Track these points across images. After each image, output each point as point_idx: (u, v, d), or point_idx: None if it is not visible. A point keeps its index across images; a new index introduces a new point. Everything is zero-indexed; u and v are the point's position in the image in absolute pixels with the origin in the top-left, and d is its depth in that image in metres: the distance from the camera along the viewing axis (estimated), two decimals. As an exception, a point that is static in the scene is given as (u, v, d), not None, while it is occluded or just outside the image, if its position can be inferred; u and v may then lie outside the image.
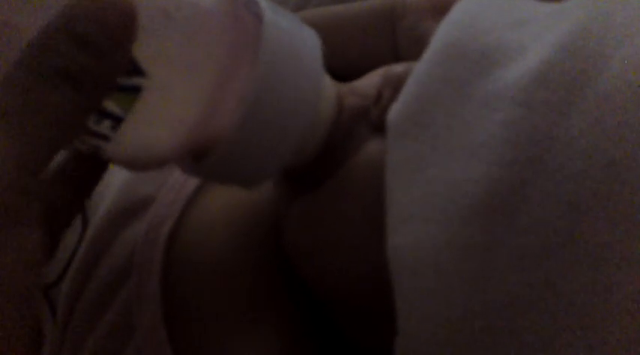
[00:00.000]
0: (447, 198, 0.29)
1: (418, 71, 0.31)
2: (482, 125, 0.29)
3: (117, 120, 0.27)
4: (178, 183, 0.39)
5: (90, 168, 0.32)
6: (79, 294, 0.39)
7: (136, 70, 0.26)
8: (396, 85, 0.32)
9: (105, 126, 0.27)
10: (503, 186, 0.28)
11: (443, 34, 0.32)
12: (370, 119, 0.33)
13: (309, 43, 0.31)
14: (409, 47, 0.45)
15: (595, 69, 0.28)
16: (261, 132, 0.29)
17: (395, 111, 0.31)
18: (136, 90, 0.27)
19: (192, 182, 0.39)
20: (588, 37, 0.29)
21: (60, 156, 0.32)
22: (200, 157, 0.30)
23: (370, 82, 0.35)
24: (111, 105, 0.27)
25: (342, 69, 0.44)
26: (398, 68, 0.34)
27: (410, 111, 0.31)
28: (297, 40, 0.30)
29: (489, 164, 0.28)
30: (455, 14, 0.32)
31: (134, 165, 0.30)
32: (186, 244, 0.38)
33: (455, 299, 0.28)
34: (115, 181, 0.40)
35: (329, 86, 0.33)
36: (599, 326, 0.27)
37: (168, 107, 0.28)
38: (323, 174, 0.33)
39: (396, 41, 0.45)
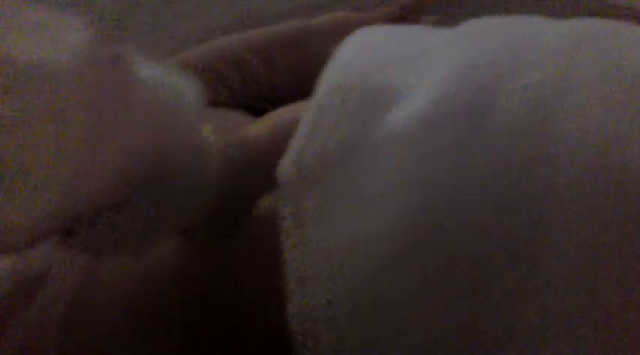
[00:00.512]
0: (347, 255, 0.27)
1: (306, 119, 0.30)
2: (377, 174, 0.27)
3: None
4: (69, 258, 0.36)
5: None
6: None
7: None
8: (286, 134, 0.30)
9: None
10: (406, 237, 0.26)
11: (329, 77, 0.30)
12: (264, 171, 0.31)
13: (185, 94, 0.29)
14: (315, 75, 0.44)
15: (485, 105, 0.27)
16: (138, 197, 0.27)
17: (284, 165, 0.29)
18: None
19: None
20: (478, 70, 0.28)
21: None
22: (72, 230, 0.27)
23: (263, 128, 0.33)
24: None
25: (259, 97, 0.42)
26: (289, 114, 0.32)
27: (300, 163, 0.29)
28: (171, 92, 0.29)
29: (386, 215, 0.27)
30: (342, 54, 0.31)
31: (4, 244, 0.27)
32: (80, 325, 0.35)
33: None
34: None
35: (213, 135, 0.30)
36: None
37: (29, 180, 0.25)
38: (222, 230, 0.31)
39: (305, 69, 0.44)
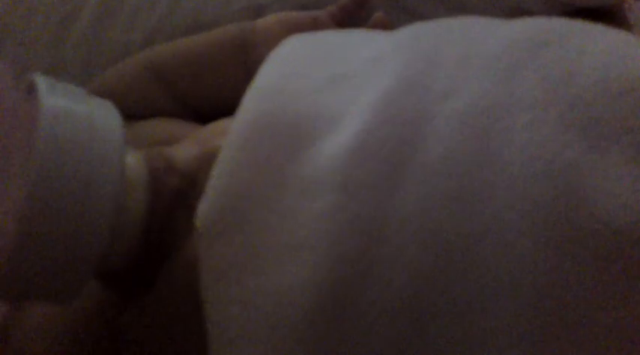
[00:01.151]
0: (272, 314, 0.24)
1: (222, 158, 0.26)
2: (301, 219, 0.24)
3: None
4: None
5: None
6: None
7: None
8: (211, 164, 0.27)
9: None
10: (333, 290, 0.23)
11: (247, 107, 0.27)
12: (190, 206, 0.28)
13: (102, 122, 0.26)
14: None
15: (417, 133, 0.24)
16: (50, 235, 0.25)
17: (203, 209, 0.26)
18: None
19: None
20: (409, 93, 0.25)
21: None
22: None
23: (188, 154, 0.30)
24: None
25: (200, 105, 0.40)
26: (216, 139, 0.29)
27: (218, 209, 0.26)
28: (85, 121, 0.26)
29: (313, 266, 0.24)
30: (262, 78, 0.28)
31: None
32: None
33: None
34: None
35: (136, 169, 0.28)
36: None
37: None
38: (147, 276, 0.28)
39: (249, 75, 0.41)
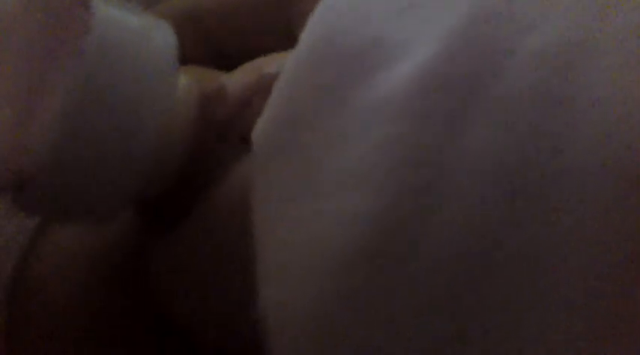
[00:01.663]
0: (324, 240, 0.23)
1: (284, 77, 0.25)
2: (360, 145, 0.23)
3: None
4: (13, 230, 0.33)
5: None
6: None
7: None
8: (266, 90, 0.26)
9: None
10: (391, 223, 0.22)
11: (313, 27, 0.26)
12: (241, 132, 0.28)
13: (157, 43, 0.26)
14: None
15: (497, 66, 0.23)
16: (93, 150, 0.24)
17: (260, 128, 0.25)
18: None
19: None
20: (488, 23, 0.23)
21: None
22: (16, 188, 0.24)
23: (241, 82, 0.29)
24: None
25: (237, 58, 0.39)
26: (271, 68, 0.28)
27: (276, 128, 0.25)
28: (139, 35, 0.25)
29: (372, 195, 0.22)
30: (327, 3, 0.26)
31: None
32: (31, 290, 0.32)
33: None
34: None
35: (187, 91, 0.27)
36: None
37: None
38: (189, 201, 0.28)
39: (291, 25, 0.40)
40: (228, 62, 0.38)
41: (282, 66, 0.27)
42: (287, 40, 0.34)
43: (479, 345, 0.22)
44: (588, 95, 0.22)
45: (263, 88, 0.27)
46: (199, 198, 0.27)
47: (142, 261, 0.30)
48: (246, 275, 0.24)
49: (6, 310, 0.31)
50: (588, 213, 0.21)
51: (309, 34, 0.26)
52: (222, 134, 0.28)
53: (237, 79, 0.29)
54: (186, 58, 0.40)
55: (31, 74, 0.22)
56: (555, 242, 0.21)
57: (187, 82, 0.27)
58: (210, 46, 0.39)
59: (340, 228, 0.23)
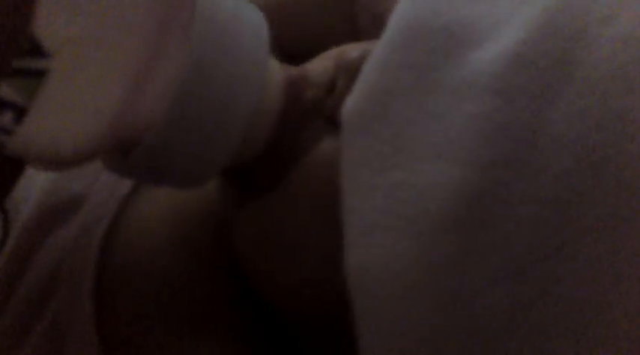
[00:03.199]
0: (413, 206, 0.25)
1: (375, 57, 0.27)
2: (452, 119, 0.25)
3: (20, 111, 0.23)
4: (112, 179, 0.35)
5: (1, 165, 0.28)
6: (3, 306, 0.35)
7: (38, 50, 0.22)
8: (351, 73, 0.28)
9: (6, 119, 0.23)
10: (479, 192, 0.24)
11: (402, 10, 0.27)
12: (324, 112, 0.29)
13: (251, 23, 0.27)
14: (369, 26, 0.40)
15: (580, 50, 0.24)
16: (195, 120, 0.26)
17: (350, 105, 0.27)
18: (39, 74, 0.22)
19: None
20: (571, 12, 0.25)
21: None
22: (125, 151, 0.26)
23: (323, 67, 0.30)
24: (10, 93, 0.22)
25: (299, 49, 0.40)
26: (353, 52, 0.30)
27: (367, 104, 0.26)
28: (237, 18, 0.27)
29: (462, 165, 0.24)
30: None
31: (46, 162, 0.25)
32: (121, 250, 0.34)
33: (425, 322, 0.24)
34: (39, 179, 0.36)
35: (276, 72, 0.29)
36: (594, 347, 0.23)
37: (81, 93, 0.24)
38: (273, 174, 0.29)
39: (355, 19, 0.41)
40: (290, 56, 0.40)
41: (364, 51, 0.29)
42: (349, 32, 0.36)
43: (549, 313, 0.23)
44: None
45: (346, 71, 0.29)
46: (286, 171, 0.29)
47: (227, 227, 0.31)
48: (333, 241, 0.26)
49: (94, 280, 0.33)
50: None
51: (399, 17, 0.27)
52: (307, 113, 0.29)
53: (319, 64, 0.31)
54: None
55: (148, 45, 0.24)
56: (633, 214, 0.23)
57: (275, 63, 0.29)
58: (274, 39, 0.41)
59: (432, 197, 0.24)
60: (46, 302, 0.34)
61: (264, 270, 0.30)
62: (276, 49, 0.40)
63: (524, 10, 0.26)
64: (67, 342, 0.32)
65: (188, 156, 0.26)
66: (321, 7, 0.41)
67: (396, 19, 0.27)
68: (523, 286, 0.24)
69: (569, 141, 0.23)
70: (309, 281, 0.29)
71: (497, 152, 0.24)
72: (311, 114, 0.29)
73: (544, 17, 0.25)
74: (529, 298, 0.23)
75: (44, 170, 0.30)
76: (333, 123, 0.29)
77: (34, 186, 0.36)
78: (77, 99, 0.24)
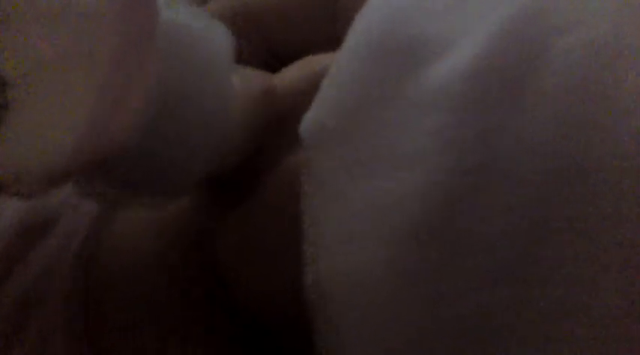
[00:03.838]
0: (379, 216, 0.25)
1: (335, 70, 0.27)
2: (416, 130, 0.25)
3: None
4: (85, 202, 0.35)
5: None
6: None
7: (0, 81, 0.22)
8: (317, 84, 0.28)
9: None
10: (446, 199, 0.24)
11: (362, 23, 0.28)
12: (294, 123, 0.29)
13: (215, 39, 0.27)
14: (345, 32, 0.41)
15: (538, 61, 0.24)
16: (167, 139, 0.26)
17: (313, 117, 0.27)
18: (2, 105, 0.22)
19: None
20: (529, 23, 0.25)
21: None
22: (94, 171, 0.26)
23: (293, 77, 0.31)
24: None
25: (288, 50, 0.40)
26: (321, 62, 0.30)
27: (329, 115, 0.27)
28: (200, 36, 0.27)
29: (427, 174, 0.24)
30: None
31: (13, 193, 0.25)
32: (105, 259, 0.34)
33: (399, 332, 0.25)
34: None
35: (251, 83, 0.29)
36: (573, 348, 0.23)
37: (45, 123, 0.23)
38: (251, 184, 0.29)
39: (336, 24, 0.41)
40: (276, 58, 0.40)
41: (329, 63, 0.29)
42: (333, 35, 0.36)
43: (523, 317, 0.24)
44: (621, 91, 0.23)
45: (314, 82, 0.29)
46: (261, 180, 0.29)
47: (206, 235, 0.32)
48: (293, 257, 0.26)
49: (82, 282, 0.33)
50: (625, 196, 0.23)
51: (359, 30, 0.27)
52: (283, 122, 0.29)
53: (289, 75, 0.31)
54: (239, 54, 0.41)
55: (113, 67, 0.24)
56: (599, 220, 0.23)
57: (244, 77, 0.29)
58: (260, 41, 0.40)
59: (396, 206, 0.25)
60: (30, 314, 0.34)
61: (246, 278, 0.30)
62: (264, 51, 0.41)
63: (482, 23, 0.26)
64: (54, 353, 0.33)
65: (162, 171, 0.27)
66: (308, 9, 0.41)
67: (356, 31, 0.28)
68: (502, 289, 0.24)
69: (530, 151, 0.24)
70: (291, 287, 0.29)
71: (462, 160, 0.24)
72: (281, 126, 0.29)
73: (501, 30, 0.25)
74: (508, 301, 0.24)
75: (17, 198, 0.30)
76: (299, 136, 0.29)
77: (9, 205, 0.36)
78: (41, 128, 0.23)
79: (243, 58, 0.40)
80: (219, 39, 0.28)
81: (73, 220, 0.35)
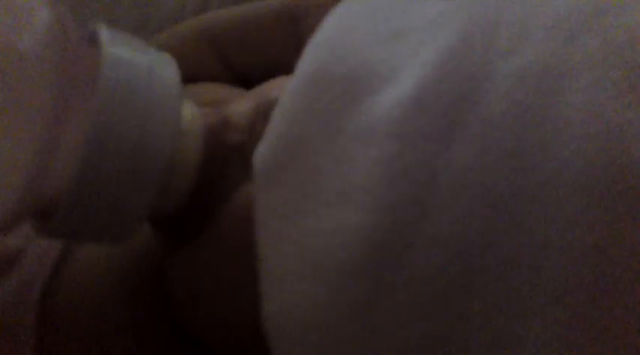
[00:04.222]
0: (322, 253, 0.25)
1: (282, 104, 0.27)
2: (355, 165, 0.25)
3: None
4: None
5: None
6: None
7: None
8: (267, 117, 0.28)
9: None
10: (383, 235, 0.24)
11: (308, 58, 0.28)
12: (245, 156, 0.29)
13: (161, 74, 0.27)
14: None
15: (478, 90, 0.25)
16: (106, 181, 0.26)
17: (259, 154, 0.27)
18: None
19: None
20: (470, 51, 0.25)
21: None
22: (42, 218, 0.26)
23: (245, 108, 0.31)
24: None
25: (250, 75, 0.40)
26: (272, 92, 0.30)
27: (274, 153, 0.27)
28: (145, 71, 0.27)
29: (365, 211, 0.25)
30: (322, 32, 0.29)
31: None
32: (63, 300, 0.34)
33: None
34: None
35: (193, 119, 0.29)
36: None
37: None
38: (198, 221, 0.29)
39: (301, 44, 0.42)
40: (242, 79, 0.40)
41: (280, 93, 0.29)
42: (297, 54, 0.36)
43: (462, 347, 0.24)
44: (560, 116, 0.24)
45: (264, 114, 0.29)
46: (211, 216, 0.29)
47: (161, 272, 0.32)
48: (253, 288, 0.27)
49: (34, 337, 0.33)
50: (558, 224, 0.23)
51: (305, 64, 0.28)
52: (228, 159, 0.29)
53: (242, 105, 0.31)
54: (204, 75, 0.41)
55: (54, 107, 0.24)
56: (532, 251, 0.23)
57: (193, 112, 0.29)
58: (225, 63, 0.41)
59: (338, 242, 0.25)
60: None
61: (194, 314, 0.31)
62: (228, 73, 0.41)
63: (423, 52, 0.26)
64: None
65: (105, 215, 0.27)
66: (268, 33, 0.41)
67: (302, 66, 0.28)
68: (435, 323, 0.24)
69: (466, 183, 0.24)
70: (237, 324, 0.29)
71: (398, 196, 0.24)
72: (233, 159, 0.30)
73: (442, 58, 0.25)
74: (441, 334, 0.24)
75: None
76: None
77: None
78: None
79: (204, 78, 0.41)
80: (169, 72, 0.28)
81: (38, 256, 0.35)
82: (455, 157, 0.24)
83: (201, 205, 0.29)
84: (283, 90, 0.29)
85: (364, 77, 0.27)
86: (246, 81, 0.41)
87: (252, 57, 0.41)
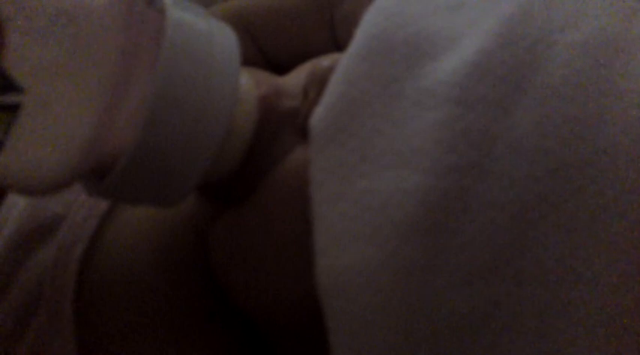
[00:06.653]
0: (380, 213, 0.25)
1: (341, 69, 0.28)
2: (414, 127, 0.26)
3: (-4, 144, 0.24)
4: (90, 199, 0.35)
5: None
6: None
7: (11, 85, 0.23)
8: (321, 83, 0.29)
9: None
10: (441, 197, 0.25)
11: (367, 24, 0.28)
12: (298, 122, 0.30)
13: (221, 41, 0.28)
14: (348, 38, 0.41)
15: (538, 58, 0.25)
16: (167, 143, 0.26)
17: (317, 116, 0.28)
18: (13, 108, 0.23)
19: None
20: (530, 21, 0.26)
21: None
22: (101, 176, 0.26)
23: (297, 79, 0.31)
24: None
25: (284, 58, 0.40)
26: (324, 62, 0.30)
27: (333, 114, 0.27)
28: (206, 37, 0.27)
29: (424, 172, 0.25)
30: (379, 1, 0.29)
31: (24, 190, 0.26)
32: (100, 268, 0.34)
33: (395, 326, 0.25)
34: (19, 200, 0.36)
35: (248, 87, 0.29)
36: (559, 350, 0.24)
37: (54, 124, 0.24)
38: (247, 186, 0.30)
39: (335, 31, 0.42)
40: (271, 65, 0.40)
41: (334, 60, 0.30)
42: (330, 41, 0.36)
43: (515, 312, 0.24)
44: (619, 86, 0.24)
45: (317, 81, 0.30)
46: (260, 182, 0.29)
47: (201, 237, 0.32)
48: (305, 250, 0.27)
49: (74, 299, 0.33)
50: (616, 190, 0.24)
51: (364, 30, 0.28)
52: (281, 126, 0.30)
53: (294, 75, 0.31)
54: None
55: (118, 69, 0.24)
56: (590, 216, 0.24)
57: (248, 81, 0.29)
58: (254, 49, 0.41)
59: (396, 204, 0.25)
60: (27, 323, 0.34)
61: (239, 281, 0.31)
62: (260, 59, 0.41)
63: (484, 21, 0.27)
64: None
65: (162, 177, 0.27)
66: (301, 18, 0.41)
67: (361, 31, 0.28)
68: (489, 287, 0.25)
69: (526, 148, 0.24)
70: (284, 291, 0.29)
71: (457, 159, 0.25)
72: (285, 126, 0.30)
73: (503, 27, 0.26)
74: (495, 299, 0.25)
75: (23, 196, 0.30)
76: (306, 134, 0.29)
77: (14, 207, 0.37)
78: (51, 130, 0.24)
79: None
80: (228, 40, 0.28)
81: (77, 224, 0.35)
82: (515, 122, 0.25)
83: (252, 170, 0.29)
84: (336, 59, 0.29)
85: (424, 44, 0.27)
86: (278, 67, 0.42)
87: (286, 42, 0.41)
